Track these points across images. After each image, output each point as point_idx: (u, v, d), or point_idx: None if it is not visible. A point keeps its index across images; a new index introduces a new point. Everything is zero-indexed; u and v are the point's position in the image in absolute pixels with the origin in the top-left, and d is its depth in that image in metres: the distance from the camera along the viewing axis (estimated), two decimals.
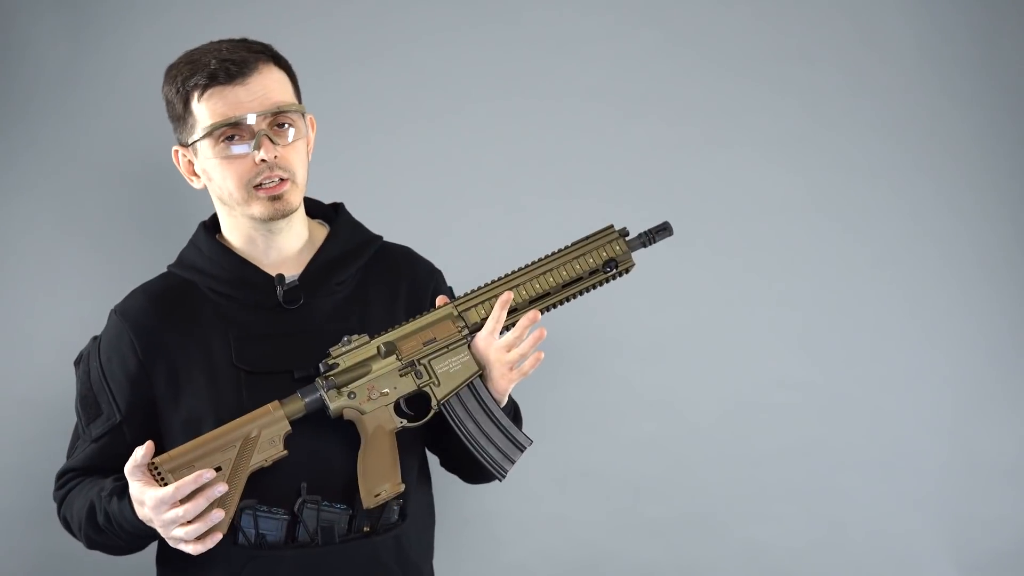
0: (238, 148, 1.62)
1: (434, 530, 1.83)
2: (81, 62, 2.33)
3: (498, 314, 1.64)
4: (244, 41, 1.67)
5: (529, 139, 2.47)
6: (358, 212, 1.83)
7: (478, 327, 1.66)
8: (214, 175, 1.64)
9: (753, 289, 2.52)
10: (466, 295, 1.68)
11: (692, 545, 2.50)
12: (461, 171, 2.45)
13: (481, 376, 1.66)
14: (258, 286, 1.68)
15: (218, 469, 1.56)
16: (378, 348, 1.64)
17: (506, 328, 1.66)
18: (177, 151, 1.69)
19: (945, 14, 2.57)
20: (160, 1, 2.36)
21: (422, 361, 1.65)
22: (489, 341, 1.65)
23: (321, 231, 1.77)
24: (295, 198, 1.67)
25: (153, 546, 1.72)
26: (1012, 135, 2.60)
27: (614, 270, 1.70)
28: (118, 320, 1.69)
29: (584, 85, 2.49)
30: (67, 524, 1.72)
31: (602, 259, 1.69)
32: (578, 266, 1.69)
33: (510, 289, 1.67)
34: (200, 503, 1.53)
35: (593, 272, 1.69)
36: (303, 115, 1.68)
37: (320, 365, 1.63)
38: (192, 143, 1.64)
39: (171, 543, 1.56)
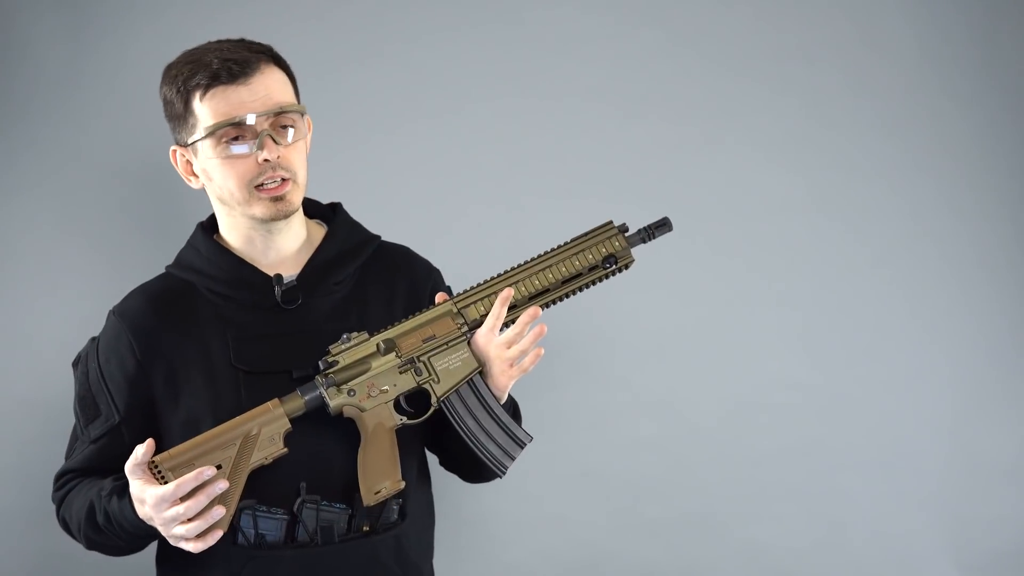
0: (240, 148, 1.61)
1: (434, 529, 1.82)
2: (81, 62, 2.33)
3: (498, 311, 1.64)
4: (243, 41, 1.66)
5: (529, 139, 2.47)
6: (358, 212, 1.83)
7: (477, 324, 1.66)
8: (215, 175, 1.64)
9: (753, 289, 2.52)
10: (465, 292, 1.68)
11: (692, 545, 2.50)
12: (461, 171, 2.45)
13: (481, 373, 1.66)
14: (256, 286, 1.68)
15: (218, 467, 1.56)
16: (377, 345, 1.64)
17: (506, 325, 1.67)
18: (175, 151, 1.68)
19: (945, 14, 2.58)
20: (160, 1, 2.36)
21: (422, 358, 1.65)
22: (489, 338, 1.65)
23: (319, 231, 1.77)
24: (296, 198, 1.67)
25: (153, 546, 1.72)
26: (1012, 135, 2.60)
27: (614, 266, 1.70)
28: (116, 321, 1.69)
29: (584, 85, 2.49)
30: (66, 526, 1.71)
31: (601, 255, 1.69)
32: (578, 262, 1.69)
33: (510, 286, 1.67)
34: (201, 500, 1.52)
35: (593, 268, 1.69)
36: (302, 115, 1.68)
37: (320, 363, 1.62)
38: (192, 143, 1.64)
39: (172, 542, 1.56)
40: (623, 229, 1.71)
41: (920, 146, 2.57)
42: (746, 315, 2.52)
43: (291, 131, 1.65)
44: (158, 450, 1.57)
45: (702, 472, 2.51)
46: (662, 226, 1.71)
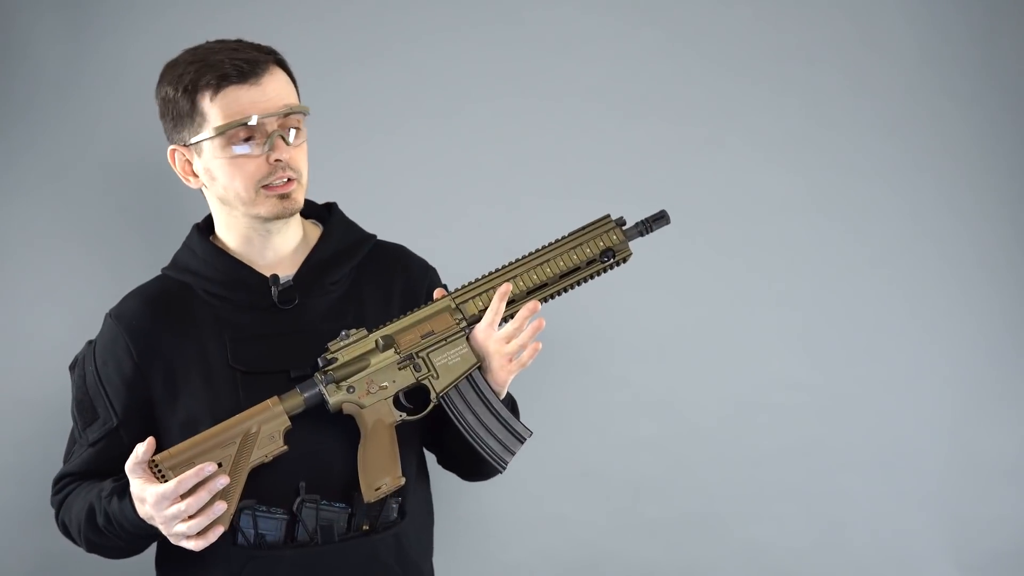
0: (251, 148, 1.61)
1: (433, 528, 1.82)
2: (81, 62, 2.33)
3: (497, 306, 1.64)
4: (242, 41, 1.66)
5: (529, 139, 2.47)
6: (358, 211, 1.83)
7: (476, 319, 1.66)
8: (219, 175, 1.63)
9: (753, 289, 2.52)
10: (463, 287, 1.67)
11: (692, 545, 2.50)
12: (461, 171, 2.45)
13: (480, 368, 1.66)
14: (253, 287, 1.68)
15: (219, 465, 1.56)
16: (376, 342, 1.64)
17: (505, 320, 1.67)
18: (174, 151, 1.67)
19: (945, 14, 2.58)
20: (160, 1, 2.36)
21: (420, 354, 1.65)
22: (488, 333, 1.65)
23: (315, 231, 1.77)
24: (300, 198, 1.67)
25: (153, 547, 1.72)
26: (1012, 135, 2.60)
27: (611, 260, 1.69)
28: (113, 324, 1.69)
29: (584, 85, 2.49)
30: (66, 529, 1.71)
31: (599, 249, 1.69)
32: (575, 256, 1.68)
33: (507, 281, 1.67)
34: (202, 496, 1.52)
35: (591, 262, 1.69)
36: (305, 116, 1.68)
37: (319, 360, 1.62)
38: (196, 143, 1.63)
39: (173, 540, 1.55)
40: (620, 223, 1.70)
41: (920, 146, 2.58)
42: (746, 315, 2.52)
43: (295, 132, 1.65)
44: (157, 452, 1.57)
45: (702, 472, 2.51)
46: (660, 219, 1.71)
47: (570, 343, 2.46)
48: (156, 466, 1.55)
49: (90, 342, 1.72)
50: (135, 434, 1.63)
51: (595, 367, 2.49)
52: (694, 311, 2.51)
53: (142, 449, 1.53)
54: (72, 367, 1.73)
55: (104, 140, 2.33)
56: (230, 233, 1.71)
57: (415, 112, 2.44)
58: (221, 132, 1.60)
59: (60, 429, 1.80)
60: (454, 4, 2.45)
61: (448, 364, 1.65)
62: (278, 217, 1.66)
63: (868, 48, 2.56)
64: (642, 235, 1.71)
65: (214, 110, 1.60)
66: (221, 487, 1.54)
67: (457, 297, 1.67)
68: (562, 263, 1.68)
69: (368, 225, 1.81)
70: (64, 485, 1.71)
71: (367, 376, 1.63)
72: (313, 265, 1.71)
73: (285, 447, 1.60)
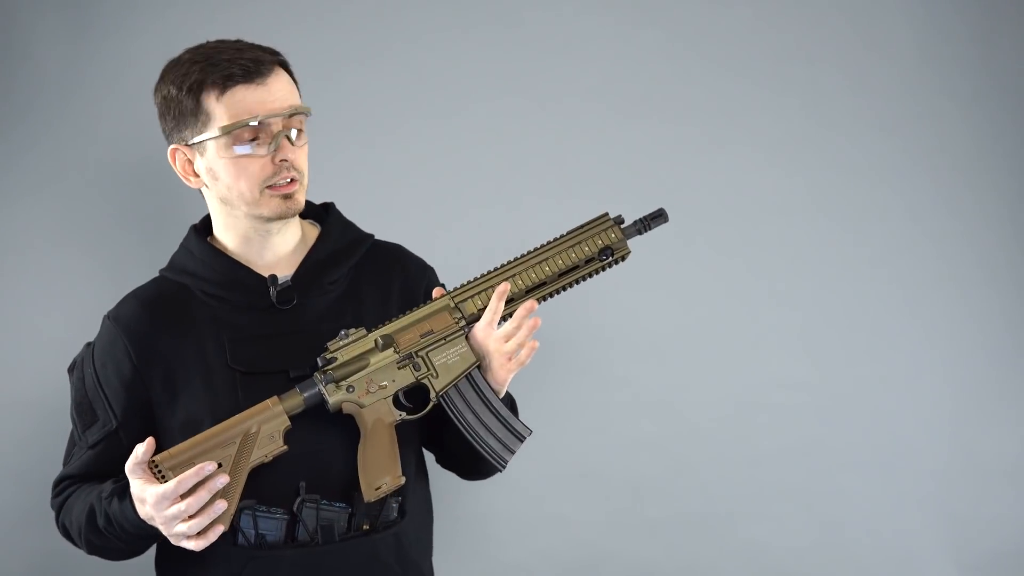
0: (257, 148, 1.61)
1: (432, 527, 1.82)
2: (82, 63, 2.33)
3: (496, 305, 1.64)
4: (240, 42, 1.66)
5: (529, 139, 2.47)
6: (357, 212, 1.83)
7: (475, 318, 1.66)
8: (222, 174, 1.63)
9: (753, 289, 2.52)
10: (462, 286, 1.68)
11: (692, 545, 2.50)
12: (461, 171, 2.45)
13: (479, 367, 1.66)
14: (251, 287, 1.68)
15: (219, 465, 1.56)
16: (375, 341, 1.64)
17: (503, 319, 1.67)
18: (176, 150, 1.67)
19: (945, 14, 2.58)
20: (160, 1, 2.35)
21: (420, 353, 1.65)
22: (488, 332, 1.65)
23: (313, 231, 1.77)
24: (302, 198, 1.67)
25: (153, 548, 1.72)
26: (1012, 135, 2.60)
27: (610, 258, 1.70)
28: (112, 326, 1.69)
29: (584, 85, 2.49)
30: (66, 532, 1.71)
31: (598, 247, 1.69)
32: (574, 254, 1.68)
33: (506, 279, 1.67)
34: (202, 496, 1.52)
35: (589, 260, 1.69)
36: (307, 117, 1.69)
37: (318, 360, 1.63)
38: (199, 142, 1.63)
39: (173, 540, 1.55)
40: (619, 221, 1.71)
41: (920, 146, 2.58)
42: (746, 315, 2.52)
43: (297, 132, 1.65)
44: (156, 453, 1.57)
45: (702, 472, 2.51)
46: (658, 217, 1.71)
47: (570, 343, 2.46)
48: (156, 466, 1.55)
49: (88, 344, 1.72)
50: (134, 436, 1.63)
51: (595, 367, 2.49)
52: (694, 311, 2.51)
53: (142, 450, 1.53)
54: (71, 369, 1.73)
55: (105, 141, 2.32)
56: (229, 233, 1.71)
57: (415, 112, 2.43)
58: (227, 131, 1.60)
59: (60, 429, 1.80)
60: (454, 4, 2.45)
61: (447, 363, 1.66)
62: (281, 217, 1.66)
63: (868, 48, 2.56)
64: (640, 233, 1.71)
65: (220, 109, 1.60)
66: (221, 486, 1.54)
67: (456, 296, 1.67)
68: (561, 261, 1.68)
69: (368, 225, 1.82)
70: (64, 487, 1.71)
71: (367, 375, 1.63)
72: (311, 265, 1.71)
73: (285, 447, 1.60)
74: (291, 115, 1.63)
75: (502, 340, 1.64)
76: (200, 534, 1.54)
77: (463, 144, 2.45)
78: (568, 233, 1.70)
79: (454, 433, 1.67)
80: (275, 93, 1.62)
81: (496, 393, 1.67)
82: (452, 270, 1.89)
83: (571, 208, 1.86)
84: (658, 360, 2.49)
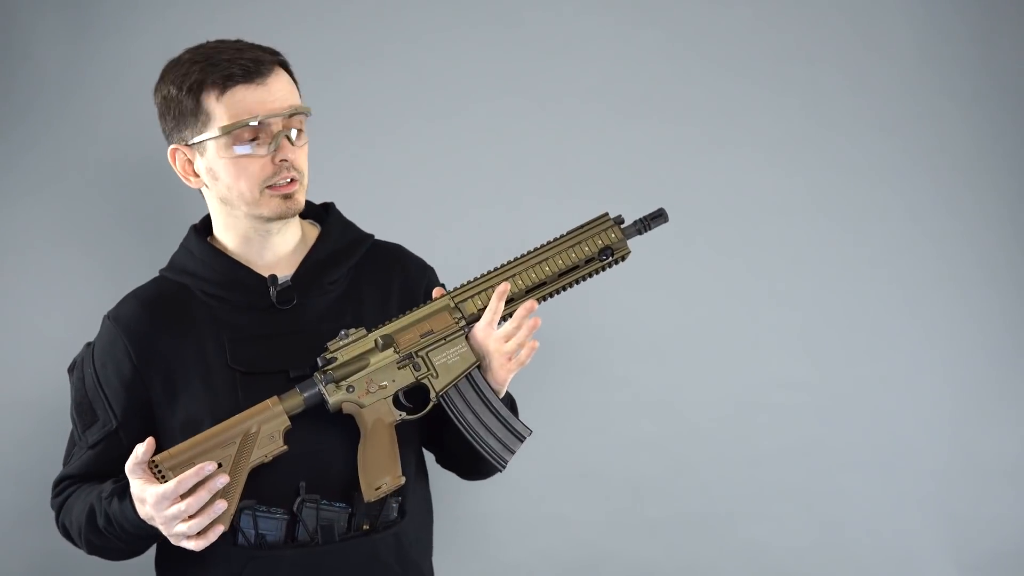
0: (257, 148, 1.61)
1: (432, 527, 1.82)
2: (82, 63, 2.33)
3: (496, 305, 1.64)
4: (240, 42, 1.66)
5: (529, 139, 2.47)
6: (358, 212, 1.83)
7: (475, 318, 1.66)
8: (222, 174, 1.63)
9: (753, 289, 2.52)
10: (462, 286, 1.68)
11: (692, 545, 2.50)
12: (461, 171, 2.45)
13: (479, 367, 1.66)
14: (251, 287, 1.68)
15: (219, 466, 1.56)
16: (376, 341, 1.64)
17: (503, 319, 1.67)
18: (175, 150, 1.67)
19: (945, 14, 2.58)
20: (160, 1, 2.35)
21: (420, 353, 1.65)
22: (488, 332, 1.65)
23: (313, 231, 1.77)
24: (302, 198, 1.67)
25: (153, 548, 1.72)
26: (1012, 135, 2.60)
27: (610, 258, 1.70)
28: (111, 326, 1.69)
29: (584, 85, 2.49)
30: (66, 532, 1.71)
31: (598, 247, 1.69)
32: (574, 254, 1.68)
33: (507, 279, 1.67)
34: (202, 496, 1.52)
35: (589, 260, 1.69)
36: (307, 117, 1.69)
37: (318, 360, 1.62)
38: (199, 142, 1.63)
39: (173, 541, 1.55)
40: (619, 221, 1.70)
41: (920, 146, 2.58)
42: (746, 315, 2.52)
43: (297, 133, 1.65)
44: (156, 453, 1.56)
45: (702, 472, 2.51)
46: (658, 217, 1.71)
47: (570, 343, 2.46)
48: (156, 466, 1.55)
49: (88, 344, 1.72)
50: (134, 436, 1.63)
51: (595, 367, 2.49)
52: (694, 311, 2.51)
53: (142, 450, 1.53)
54: (71, 369, 1.73)
55: (105, 141, 2.32)
56: (229, 233, 1.71)
57: (415, 112, 2.43)
58: (228, 131, 1.59)
59: (60, 429, 1.80)
60: (454, 4, 2.45)
61: (447, 363, 1.66)
62: (281, 217, 1.66)
63: (868, 48, 2.56)
64: (640, 233, 1.71)
65: (220, 109, 1.60)
66: (221, 486, 1.54)
67: (456, 296, 1.67)
68: (561, 261, 1.68)
69: (368, 225, 1.82)
70: (64, 488, 1.71)
71: (367, 375, 1.63)
72: (311, 265, 1.71)
73: (285, 447, 1.60)
74: (291, 115, 1.63)
75: (502, 340, 1.64)
76: (200, 534, 1.54)
77: (463, 144, 2.45)
78: (568, 233, 1.70)
79: (454, 433, 1.67)
80: (275, 93, 1.62)
81: (496, 393, 1.67)
82: (452, 270, 1.89)
83: (571, 208, 1.86)
84: (658, 360, 2.49)
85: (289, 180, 1.64)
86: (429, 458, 1.84)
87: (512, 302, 1.67)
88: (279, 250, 1.71)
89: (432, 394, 1.65)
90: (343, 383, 1.62)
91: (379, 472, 1.62)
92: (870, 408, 2.55)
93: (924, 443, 2.56)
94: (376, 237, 1.81)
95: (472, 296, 1.67)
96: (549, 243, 1.69)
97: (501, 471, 1.72)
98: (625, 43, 2.50)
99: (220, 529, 1.55)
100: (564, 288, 1.70)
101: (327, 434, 1.65)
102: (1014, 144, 2.60)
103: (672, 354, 2.50)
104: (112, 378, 1.67)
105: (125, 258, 2.30)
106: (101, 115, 2.32)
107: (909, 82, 2.57)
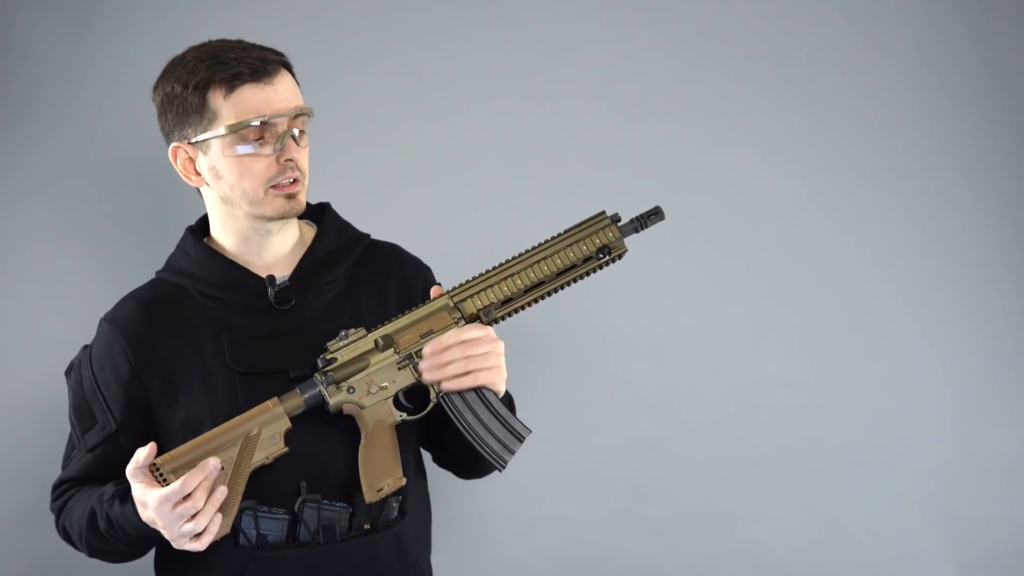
0: (262, 147, 1.62)
1: (431, 525, 1.83)
2: (82, 63, 2.32)
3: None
4: (242, 42, 1.66)
5: (529, 139, 2.47)
6: (357, 212, 1.83)
7: (474, 318, 1.66)
8: (226, 173, 1.63)
9: (753, 289, 2.52)
10: (461, 286, 1.67)
11: (692, 545, 2.50)
12: (461, 171, 2.45)
13: None
14: (248, 288, 1.68)
15: (220, 468, 1.56)
16: (376, 342, 1.64)
17: (504, 316, 1.67)
18: (177, 148, 1.67)
19: (945, 14, 2.57)
20: (161, 1, 2.35)
21: (420, 354, 1.65)
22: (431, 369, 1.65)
23: (309, 231, 1.77)
24: (304, 198, 1.68)
25: (152, 552, 1.72)
26: (1012, 135, 2.60)
27: (607, 256, 1.70)
28: (109, 328, 1.69)
29: (584, 86, 2.49)
30: (67, 535, 1.71)
31: (595, 246, 1.69)
32: (572, 254, 1.68)
33: (506, 279, 1.67)
34: (206, 487, 1.52)
35: (587, 259, 1.69)
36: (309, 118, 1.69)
37: (318, 360, 1.62)
38: (204, 140, 1.63)
39: (176, 545, 1.54)
40: (615, 219, 1.70)
41: (920, 146, 2.57)
42: (746, 315, 2.52)
43: (300, 133, 1.65)
44: (157, 456, 1.56)
45: (702, 472, 2.51)
46: (654, 215, 1.71)
47: (569, 343, 2.46)
48: (157, 469, 1.54)
49: (85, 347, 1.72)
50: (134, 438, 1.64)
51: (594, 367, 2.49)
52: (694, 311, 2.50)
53: (143, 455, 1.53)
54: (68, 372, 1.73)
55: (105, 141, 2.32)
56: (228, 233, 1.71)
57: (414, 112, 2.43)
58: (234, 130, 1.60)
59: (59, 429, 1.80)
60: (454, 4, 2.45)
61: None
62: (283, 217, 1.66)
63: (868, 48, 2.55)
64: (637, 231, 1.71)
65: (227, 108, 1.60)
66: (214, 471, 1.53)
67: (455, 296, 1.67)
68: (559, 261, 1.68)
69: (368, 225, 1.82)
70: (64, 491, 1.71)
71: (367, 376, 1.63)
72: (309, 265, 1.71)
73: (286, 449, 1.60)
74: (296, 116, 1.63)
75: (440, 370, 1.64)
76: (199, 536, 1.53)
77: (462, 144, 2.45)
78: (566, 231, 1.70)
79: (454, 433, 1.67)
80: (281, 93, 1.62)
81: (496, 393, 1.66)
82: (451, 270, 1.89)
83: (571, 208, 1.86)
84: (658, 360, 2.49)
85: (292, 180, 1.64)
86: (426, 456, 1.84)
87: (511, 301, 1.67)
88: (277, 250, 1.71)
89: (432, 395, 1.65)
90: (343, 384, 1.62)
91: (381, 474, 1.62)
92: (870, 408, 2.54)
93: (924, 443, 2.56)
94: (373, 237, 1.81)
95: (471, 296, 1.67)
96: (547, 241, 1.69)
97: (501, 471, 1.72)
98: (625, 43, 2.50)
99: (219, 519, 1.54)
100: (561, 287, 1.70)
101: (328, 434, 1.66)
102: (1014, 144, 2.60)
103: (672, 354, 2.50)
104: (110, 380, 1.67)
105: (124, 258, 2.30)
106: (101, 115, 2.32)
107: (909, 82, 2.57)
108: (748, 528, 2.51)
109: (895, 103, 2.56)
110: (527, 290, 1.68)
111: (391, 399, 1.64)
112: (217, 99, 1.61)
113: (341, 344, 1.63)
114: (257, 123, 1.60)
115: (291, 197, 1.65)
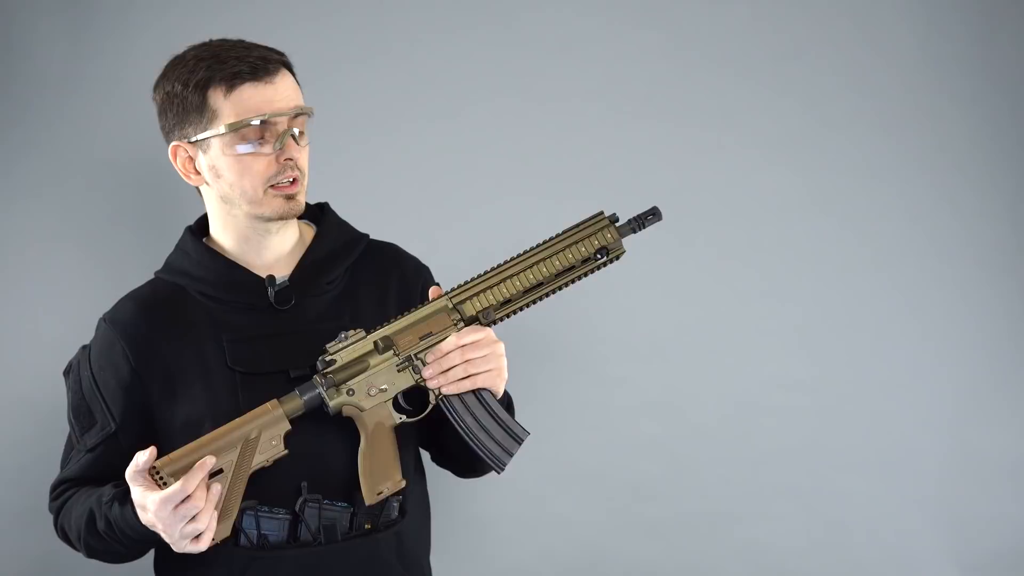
0: (262, 146, 1.61)
1: (430, 524, 1.82)
2: (82, 63, 2.32)
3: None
4: (242, 41, 1.66)
5: (528, 139, 2.47)
6: (357, 212, 1.83)
7: (473, 319, 1.66)
8: (226, 172, 1.63)
9: (753, 289, 2.52)
10: (460, 287, 1.67)
11: (692, 545, 2.50)
12: (460, 171, 2.45)
13: None
14: (248, 288, 1.68)
15: (220, 471, 1.56)
16: (375, 343, 1.63)
17: (499, 319, 1.67)
18: (177, 147, 1.67)
19: (945, 14, 2.57)
20: (160, 1, 2.35)
21: (419, 355, 1.65)
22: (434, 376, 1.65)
23: (309, 231, 1.77)
24: (303, 199, 1.68)
25: (151, 552, 1.72)
26: (1012, 135, 2.60)
27: (605, 257, 1.69)
28: (108, 329, 1.69)
29: (583, 86, 2.49)
30: (65, 535, 1.71)
31: (594, 247, 1.68)
32: (571, 255, 1.68)
33: (505, 280, 1.66)
34: (205, 486, 1.52)
35: (585, 260, 1.69)
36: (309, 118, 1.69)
37: (318, 362, 1.62)
38: (204, 139, 1.63)
39: (176, 548, 1.54)
40: (613, 219, 1.70)
41: (920, 146, 2.57)
42: (746, 315, 2.52)
43: (300, 133, 1.65)
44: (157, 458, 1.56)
45: (702, 472, 2.51)
46: (652, 215, 1.70)
47: (569, 343, 2.46)
48: (156, 472, 1.53)
49: (84, 347, 1.72)
50: (133, 439, 1.63)
51: (594, 367, 2.48)
52: (694, 311, 2.50)
53: (143, 458, 1.52)
54: (66, 373, 1.73)
55: (105, 141, 2.32)
56: (227, 233, 1.71)
57: (414, 112, 2.43)
58: (234, 129, 1.59)
59: (59, 429, 1.80)
60: (454, 4, 2.45)
61: None
62: (282, 218, 1.66)
63: (868, 48, 2.55)
64: (634, 232, 1.70)
65: (227, 107, 1.60)
66: (210, 466, 1.52)
67: (454, 297, 1.66)
68: (558, 262, 1.68)
69: (367, 225, 1.82)
70: (62, 491, 1.71)
71: (366, 378, 1.63)
72: (308, 265, 1.71)
73: (286, 451, 1.59)
74: (296, 115, 1.63)
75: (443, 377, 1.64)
76: (199, 537, 1.53)
77: (462, 144, 2.45)
78: (565, 232, 1.69)
79: (453, 435, 1.66)
80: (281, 92, 1.62)
81: (495, 395, 1.66)
82: (451, 270, 1.89)
83: (570, 208, 1.86)
84: (658, 360, 2.49)
85: (292, 180, 1.64)
86: (424, 456, 1.84)
87: (509, 303, 1.67)
88: (277, 250, 1.71)
89: (432, 397, 1.65)
90: (343, 386, 1.62)
91: (380, 477, 1.62)
92: (870, 408, 2.54)
93: (924, 443, 2.56)
94: (372, 237, 1.81)
95: (470, 297, 1.66)
96: (546, 242, 1.69)
97: (499, 473, 1.71)
98: (625, 43, 2.50)
99: (216, 515, 1.54)
100: (560, 288, 1.69)
101: (329, 434, 1.65)
102: (1014, 144, 2.60)
103: (672, 354, 2.50)
104: (110, 381, 1.66)
105: (124, 258, 2.30)
106: (101, 115, 2.32)
107: (909, 82, 2.57)
108: (748, 528, 2.51)
109: (895, 103, 2.56)
110: (526, 291, 1.67)
111: (390, 401, 1.64)
112: (217, 98, 1.61)
113: (340, 346, 1.63)
114: (257, 122, 1.59)
115: (290, 198, 1.64)
